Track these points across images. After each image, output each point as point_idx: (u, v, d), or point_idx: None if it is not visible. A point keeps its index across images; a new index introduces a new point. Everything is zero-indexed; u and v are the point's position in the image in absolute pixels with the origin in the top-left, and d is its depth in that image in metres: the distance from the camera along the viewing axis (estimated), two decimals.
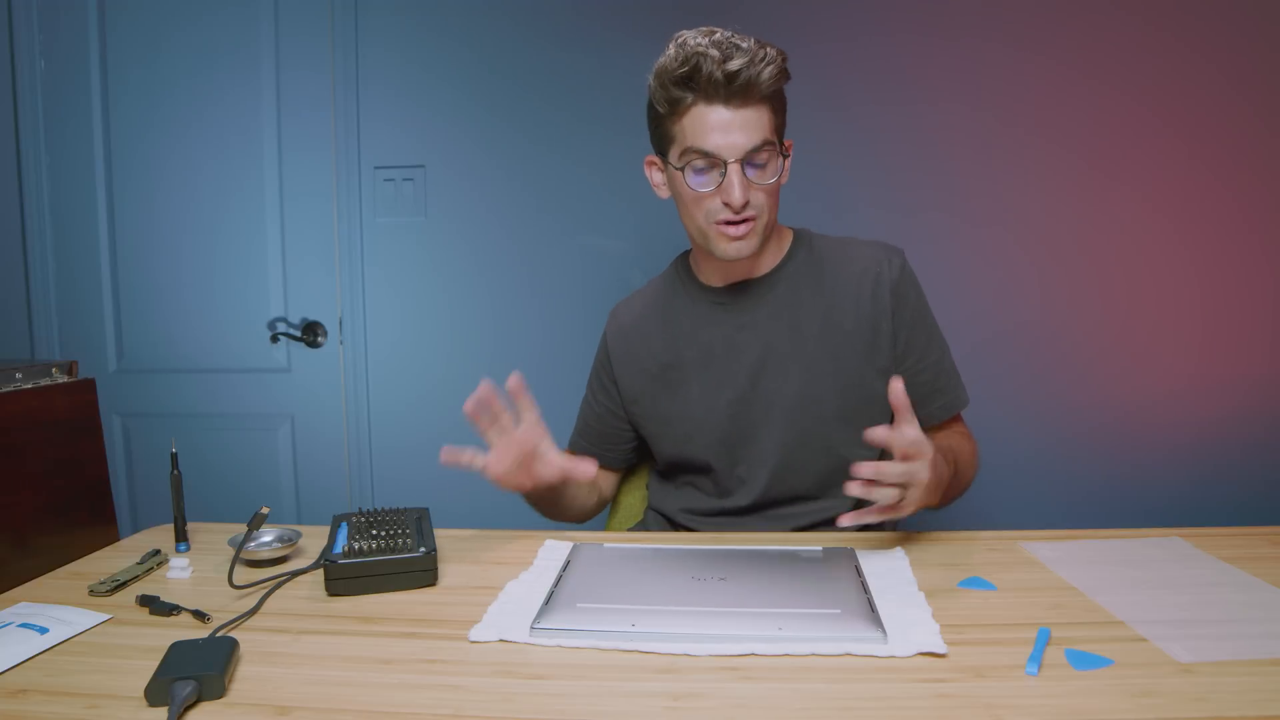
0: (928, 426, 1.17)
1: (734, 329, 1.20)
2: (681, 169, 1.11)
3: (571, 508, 1.27)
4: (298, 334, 2.11)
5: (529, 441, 1.05)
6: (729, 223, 1.10)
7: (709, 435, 1.21)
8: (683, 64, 1.04)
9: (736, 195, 1.06)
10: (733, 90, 1.04)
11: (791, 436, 1.18)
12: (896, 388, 0.94)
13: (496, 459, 1.04)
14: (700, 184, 1.10)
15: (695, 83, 1.05)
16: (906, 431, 0.92)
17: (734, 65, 1.02)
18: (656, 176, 1.20)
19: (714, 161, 1.07)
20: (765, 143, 1.07)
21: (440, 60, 2.03)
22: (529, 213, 2.05)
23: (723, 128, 1.06)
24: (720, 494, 1.23)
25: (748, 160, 1.07)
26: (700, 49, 1.03)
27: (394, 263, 2.09)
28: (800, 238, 1.24)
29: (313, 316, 2.11)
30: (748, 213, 1.09)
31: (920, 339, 1.19)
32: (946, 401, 1.21)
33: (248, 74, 2.05)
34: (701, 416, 1.21)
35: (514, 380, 1.03)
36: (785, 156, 1.12)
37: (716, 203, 1.09)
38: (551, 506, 1.25)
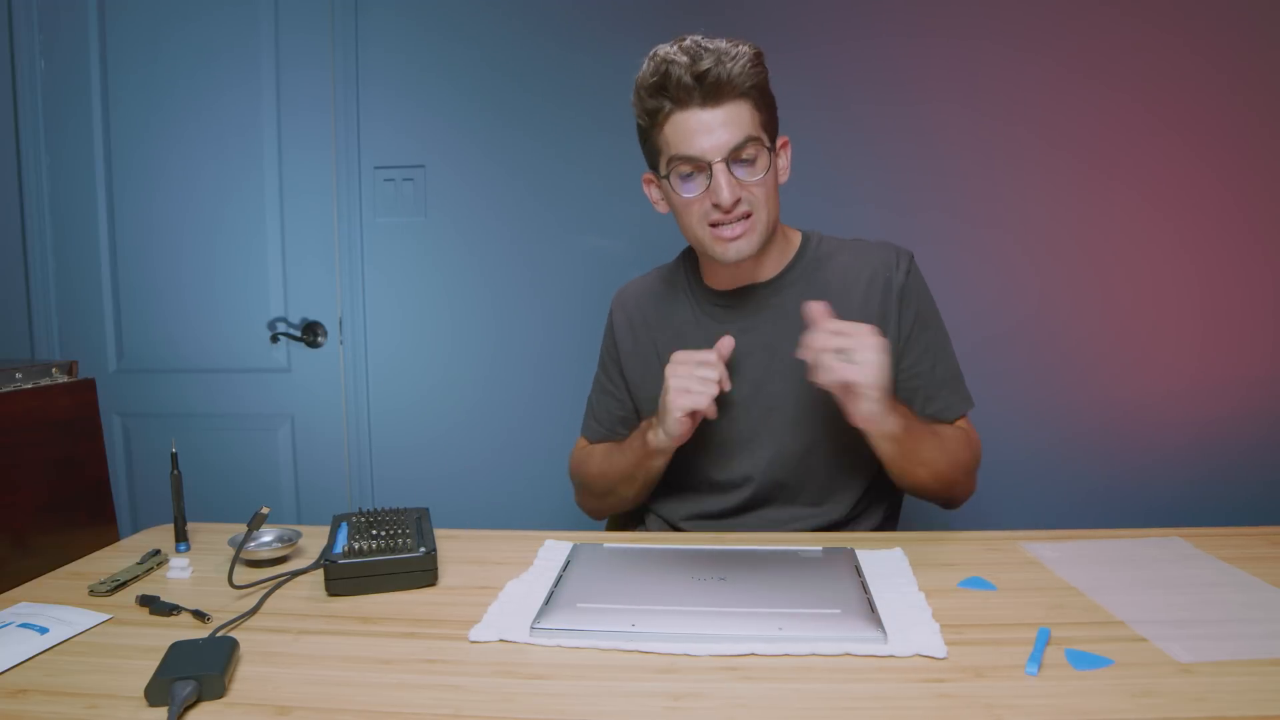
0: None
1: (736, 334, 1.18)
2: (668, 177, 1.10)
3: (637, 492, 1.24)
4: (298, 334, 2.11)
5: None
6: (722, 224, 1.09)
7: (708, 439, 1.20)
8: (654, 74, 1.06)
9: (725, 195, 1.06)
10: (706, 90, 1.04)
11: (792, 442, 1.17)
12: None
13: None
14: (689, 190, 1.09)
15: (668, 90, 1.05)
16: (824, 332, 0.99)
17: (702, 66, 1.03)
18: (654, 193, 1.19)
19: (699, 165, 1.07)
20: (749, 139, 1.06)
21: (440, 60, 2.03)
22: (529, 213, 2.05)
23: (703, 129, 1.06)
24: (716, 497, 1.22)
25: (733, 159, 1.06)
26: (670, 57, 1.05)
27: (394, 263, 2.09)
28: (807, 241, 1.23)
29: (313, 316, 2.11)
30: (741, 209, 1.08)
31: (916, 345, 1.18)
32: (935, 410, 1.18)
33: (248, 74, 2.05)
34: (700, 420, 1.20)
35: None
36: (773, 151, 1.10)
37: (707, 205, 1.09)
38: (632, 484, 1.22)
